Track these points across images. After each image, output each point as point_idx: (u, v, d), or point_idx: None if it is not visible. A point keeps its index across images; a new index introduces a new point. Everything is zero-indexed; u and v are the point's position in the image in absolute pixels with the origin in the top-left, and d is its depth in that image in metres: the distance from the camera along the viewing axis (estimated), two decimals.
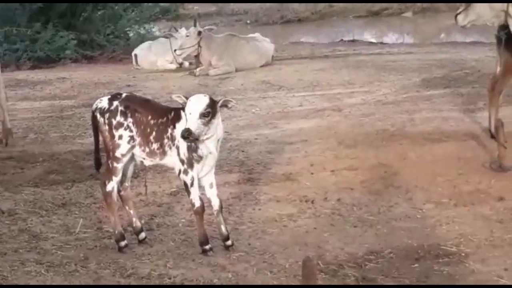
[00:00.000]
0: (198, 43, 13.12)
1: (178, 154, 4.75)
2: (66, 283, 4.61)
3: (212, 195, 4.94)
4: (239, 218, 5.67)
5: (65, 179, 6.87)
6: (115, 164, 4.82)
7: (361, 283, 4.51)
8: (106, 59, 16.32)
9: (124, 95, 4.93)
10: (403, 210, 5.77)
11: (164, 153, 4.80)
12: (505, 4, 6.44)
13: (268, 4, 25.70)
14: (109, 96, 4.93)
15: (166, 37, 14.71)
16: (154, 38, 16.39)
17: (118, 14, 17.70)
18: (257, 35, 14.52)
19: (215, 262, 4.84)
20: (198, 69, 13.34)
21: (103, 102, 4.87)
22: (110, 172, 4.86)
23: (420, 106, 9.48)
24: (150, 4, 19.06)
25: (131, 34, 18.10)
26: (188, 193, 4.82)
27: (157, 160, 4.89)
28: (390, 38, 19.97)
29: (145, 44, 15.15)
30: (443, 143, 7.59)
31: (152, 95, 11.28)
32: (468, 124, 8.34)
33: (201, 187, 4.91)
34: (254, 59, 13.79)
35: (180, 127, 4.67)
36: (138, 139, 4.80)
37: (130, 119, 4.78)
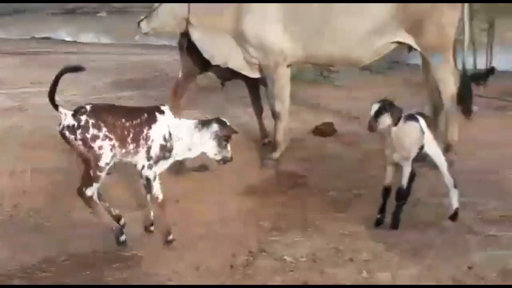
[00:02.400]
0: None
1: (148, 152, 5.00)
2: None
3: None
4: None
5: None
6: (98, 173, 4.83)
7: None
8: None
9: (88, 107, 4.86)
10: (81, 215, 5.65)
11: (136, 152, 4.99)
12: (186, 13, 6.64)
13: None
14: (72, 112, 4.83)
15: None
16: None
17: None
18: None
19: None
20: None
21: (68, 119, 4.81)
22: (92, 180, 4.84)
23: None
24: None
25: None
26: (151, 187, 5.07)
27: (128, 159, 5.02)
28: (86, 37, 19.69)
29: None
30: None
31: None
32: None
33: None
34: None
35: (156, 128, 5.00)
36: (117, 144, 4.87)
37: (104, 128, 4.81)
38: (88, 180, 4.88)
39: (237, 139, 7.76)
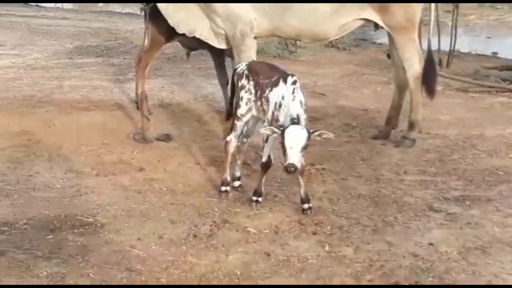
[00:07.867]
0: None
1: (269, 113, 5.04)
2: None
3: None
4: None
5: None
6: (235, 121, 5.28)
7: None
8: None
9: (252, 60, 5.46)
10: (43, 180, 5.62)
11: (263, 110, 5.10)
12: None
13: None
14: (247, 63, 5.37)
15: None
16: None
17: None
18: None
19: None
20: None
21: (240, 67, 5.32)
22: (232, 126, 5.32)
23: (71, 74, 9.36)
24: None
25: None
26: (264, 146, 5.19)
27: (261, 115, 5.20)
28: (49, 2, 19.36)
29: None
30: (90, 112, 7.57)
31: None
32: (116, 94, 8.41)
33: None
34: None
35: (274, 92, 4.92)
36: (254, 98, 5.15)
37: (251, 82, 5.16)
38: (231, 126, 5.33)
39: (201, 110, 7.78)
